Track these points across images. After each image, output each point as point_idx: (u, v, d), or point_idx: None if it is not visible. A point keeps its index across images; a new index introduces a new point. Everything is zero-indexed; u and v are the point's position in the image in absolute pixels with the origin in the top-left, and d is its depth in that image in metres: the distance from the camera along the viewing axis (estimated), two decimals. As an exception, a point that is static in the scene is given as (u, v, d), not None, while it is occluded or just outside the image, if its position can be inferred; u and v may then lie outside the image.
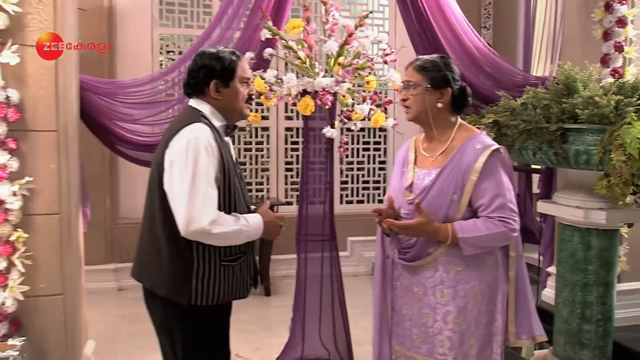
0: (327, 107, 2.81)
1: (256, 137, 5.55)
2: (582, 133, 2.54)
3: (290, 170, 5.65)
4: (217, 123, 2.04)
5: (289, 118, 5.59)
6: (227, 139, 2.09)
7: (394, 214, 2.19)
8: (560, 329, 2.95)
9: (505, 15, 5.68)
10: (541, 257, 4.05)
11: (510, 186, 2.11)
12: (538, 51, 5.71)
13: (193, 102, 2.06)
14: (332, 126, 3.12)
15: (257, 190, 5.58)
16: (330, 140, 3.12)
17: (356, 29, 2.88)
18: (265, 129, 5.53)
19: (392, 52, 3.07)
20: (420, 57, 2.22)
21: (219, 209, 1.91)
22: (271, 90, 2.94)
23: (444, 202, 2.07)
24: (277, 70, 3.04)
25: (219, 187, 1.92)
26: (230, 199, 1.97)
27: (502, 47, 5.66)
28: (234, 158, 2.11)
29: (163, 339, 2.05)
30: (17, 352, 2.42)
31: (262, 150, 5.58)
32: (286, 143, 5.60)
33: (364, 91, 3.10)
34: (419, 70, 2.15)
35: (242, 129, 5.37)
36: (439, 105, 2.13)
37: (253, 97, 2.13)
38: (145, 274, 2.03)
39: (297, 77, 2.98)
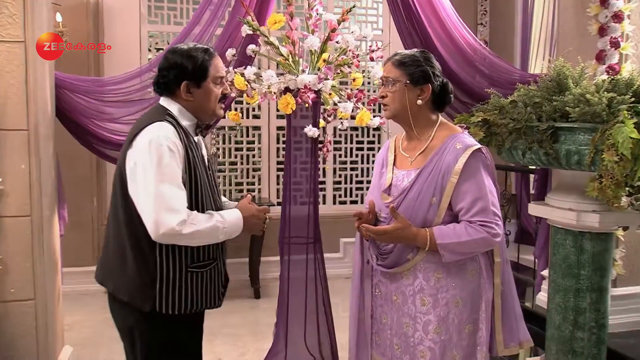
0: (307, 105, 2.70)
1: (247, 136, 5.44)
2: (574, 132, 2.43)
3: (282, 170, 5.52)
4: (186, 122, 1.94)
5: (281, 117, 5.47)
6: (198, 138, 1.99)
7: (374, 219, 2.08)
8: (552, 336, 2.84)
9: (502, 11, 5.56)
10: (537, 260, 3.93)
11: (493, 188, 2.00)
12: (536, 48, 5.59)
13: (163, 101, 1.96)
14: (316, 125, 3.02)
15: (248, 191, 5.46)
16: (315, 140, 3.01)
17: (339, 24, 2.76)
18: (257, 128, 5.42)
19: (378, 48, 2.96)
20: (399, 51, 2.11)
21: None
22: (252, 88, 2.82)
23: (423, 206, 1.97)
24: (260, 68, 2.93)
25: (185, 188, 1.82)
26: (198, 200, 1.87)
27: (499, 44, 5.55)
28: (205, 158, 2.00)
29: (126, 345, 1.95)
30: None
31: (254, 150, 5.47)
32: (278, 142, 5.48)
33: (350, 89, 2.99)
34: (398, 65, 2.04)
35: (233, 128, 5.29)
36: (419, 102, 2.02)
37: (227, 95, 2.02)
38: (109, 278, 1.94)
39: (282, 75, 2.88)
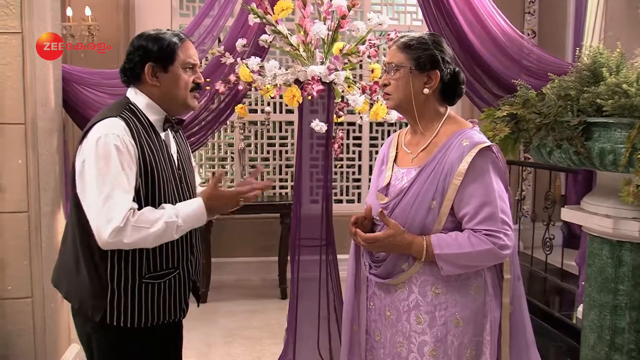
0: (309, 98, 2.50)
1: (280, 131, 5.29)
2: (609, 128, 2.13)
3: (316, 167, 5.33)
4: (154, 116, 1.78)
5: (314, 111, 5.28)
6: (167, 134, 1.83)
7: (370, 224, 1.87)
8: (586, 357, 2.53)
9: (553, -1, 5.17)
10: (580, 268, 3.59)
11: (503, 193, 1.74)
12: (590, 37, 5.17)
13: (130, 92, 1.80)
14: (329, 119, 2.82)
15: (281, 187, 5.32)
16: (327, 135, 2.82)
17: (349, 10, 2.54)
18: (290, 123, 5.26)
19: (398, 37, 2.72)
20: (405, 33, 1.87)
21: None
22: (254, 80, 2.65)
23: (421, 210, 1.73)
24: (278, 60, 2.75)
25: (139, 191, 1.67)
26: (156, 201, 1.71)
27: (548, 34, 5.18)
28: (174, 157, 1.84)
29: (86, 355, 1.82)
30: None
31: (286, 146, 5.32)
32: (312, 138, 5.28)
33: (368, 81, 2.78)
34: (403, 49, 1.79)
35: (263, 123, 5.15)
36: (426, 91, 1.77)
37: (200, 85, 1.85)
38: (63, 281, 1.80)
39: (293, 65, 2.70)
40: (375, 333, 1.88)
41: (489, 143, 1.74)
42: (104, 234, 1.58)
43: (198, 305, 2.04)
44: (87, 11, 4.39)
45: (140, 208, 1.67)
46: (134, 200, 1.64)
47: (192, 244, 1.88)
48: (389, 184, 1.86)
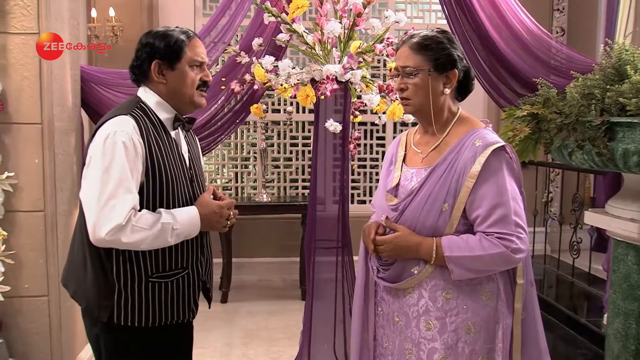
0: (322, 97, 2.46)
1: (303, 131, 5.26)
2: (634, 128, 2.03)
3: (338, 167, 5.29)
4: (164, 115, 1.77)
5: (338, 111, 5.23)
6: (177, 132, 1.81)
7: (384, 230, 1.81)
8: (610, 367, 2.44)
9: (583, -5, 5.02)
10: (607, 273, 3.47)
11: (517, 195, 1.67)
12: (622, 35, 5.00)
13: (140, 91, 1.80)
14: (346, 119, 2.78)
15: (303, 188, 5.29)
16: (344, 136, 2.78)
17: (365, 7, 2.49)
18: (312, 122, 5.21)
19: (407, 36, 2.66)
20: (414, 32, 1.80)
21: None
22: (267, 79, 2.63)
23: (432, 212, 1.67)
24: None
25: (144, 191, 1.65)
26: (164, 202, 1.69)
27: (578, 31, 5.03)
28: (185, 156, 1.82)
29: (95, 355, 1.81)
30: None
31: (309, 146, 5.28)
32: (335, 138, 5.24)
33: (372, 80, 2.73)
34: (418, 50, 1.70)
35: (285, 123, 5.13)
36: (446, 91, 1.71)
37: (208, 83, 1.83)
38: (71, 280, 1.80)
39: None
40: (383, 339, 1.83)
41: (502, 143, 1.67)
42: (100, 230, 1.57)
43: (209, 307, 2.01)
44: (111, 12, 4.45)
45: (148, 208, 1.66)
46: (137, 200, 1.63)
47: (203, 244, 1.86)
48: (398, 184, 1.80)
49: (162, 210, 1.68)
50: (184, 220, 1.68)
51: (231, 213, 1.79)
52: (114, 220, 1.55)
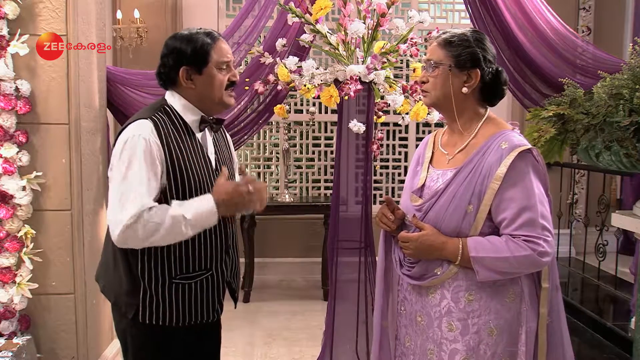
0: (346, 97, 2.46)
1: (325, 131, 5.27)
2: (663, 129, 2.00)
3: (361, 167, 5.28)
4: (191, 117, 1.78)
5: (361, 112, 5.22)
6: (203, 134, 1.82)
7: (399, 220, 1.80)
8: (638, 371, 2.40)
9: (611, -7, 4.94)
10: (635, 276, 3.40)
11: (544, 197, 1.65)
12: (651, 34, 4.91)
13: (167, 95, 1.81)
14: (370, 120, 2.78)
15: (325, 189, 5.29)
16: (367, 136, 2.77)
17: (388, 8, 2.49)
18: (335, 123, 5.21)
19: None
20: (448, 30, 1.80)
21: None
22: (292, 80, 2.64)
23: (457, 213, 1.66)
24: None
25: (167, 193, 1.67)
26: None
27: (605, 31, 4.96)
28: (211, 158, 1.82)
29: (122, 349, 1.84)
30: (12, 354, 2.33)
31: (332, 146, 5.28)
32: (357, 139, 5.23)
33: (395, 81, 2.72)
34: (443, 45, 1.72)
35: (308, 124, 5.14)
36: (465, 90, 1.71)
37: (235, 83, 1.83)
38: (102, 276, 1.84)
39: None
40: (405, 339, 1.83)
41: (529, 146, 1.66)
42: (114, 233, 1.61)
43: (235, 307, 2.03)
44: (136, 13, 4.50)
45: None
46: (156, 201, 1.65)
47: (228, 245, 1.86)
48: (423, 185, 1.80)
49: (173, 202, 1.67)
50: (194, 208, 1.64)
51: (250, 188, 1.70)
52: (122, 221, 1.58)
